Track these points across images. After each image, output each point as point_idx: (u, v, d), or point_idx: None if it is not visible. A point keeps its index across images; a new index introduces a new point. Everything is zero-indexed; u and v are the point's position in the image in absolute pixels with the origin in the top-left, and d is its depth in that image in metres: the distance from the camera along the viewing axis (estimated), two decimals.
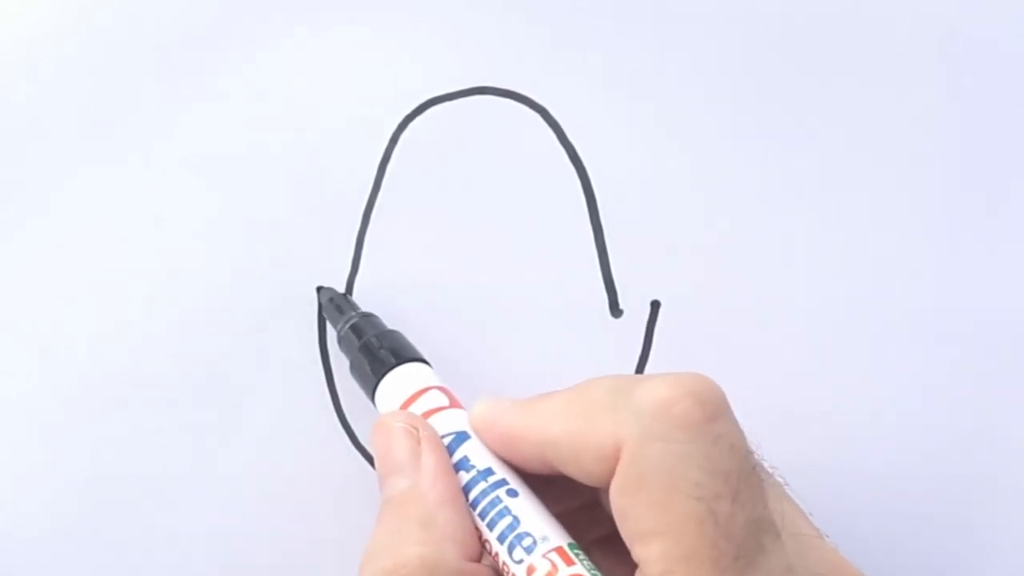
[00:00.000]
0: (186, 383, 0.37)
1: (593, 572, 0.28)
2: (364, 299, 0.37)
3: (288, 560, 0.36)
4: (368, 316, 0.36)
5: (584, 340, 0.38)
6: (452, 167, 0.39)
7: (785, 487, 0.29)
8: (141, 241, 0.37)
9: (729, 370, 0.38)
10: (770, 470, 0.29)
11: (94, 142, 0.38)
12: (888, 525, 0.37)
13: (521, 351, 0.38)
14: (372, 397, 0.34)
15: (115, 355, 0.37)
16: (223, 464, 0.36)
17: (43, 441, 0.36)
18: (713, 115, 0.40)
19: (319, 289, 0.37)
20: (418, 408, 0.32)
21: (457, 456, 0.31)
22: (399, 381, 0.34)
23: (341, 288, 0.38)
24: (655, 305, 0.38)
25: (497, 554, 0.29)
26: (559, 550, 0.28)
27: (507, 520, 0.29)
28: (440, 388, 0.33)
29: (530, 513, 0.29)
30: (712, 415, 0.27)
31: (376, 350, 0.34)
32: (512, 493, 0.30)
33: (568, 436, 0.29)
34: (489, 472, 0.30)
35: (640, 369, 0.38)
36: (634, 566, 0.27)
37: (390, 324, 0.36)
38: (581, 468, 0.28)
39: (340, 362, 0.37)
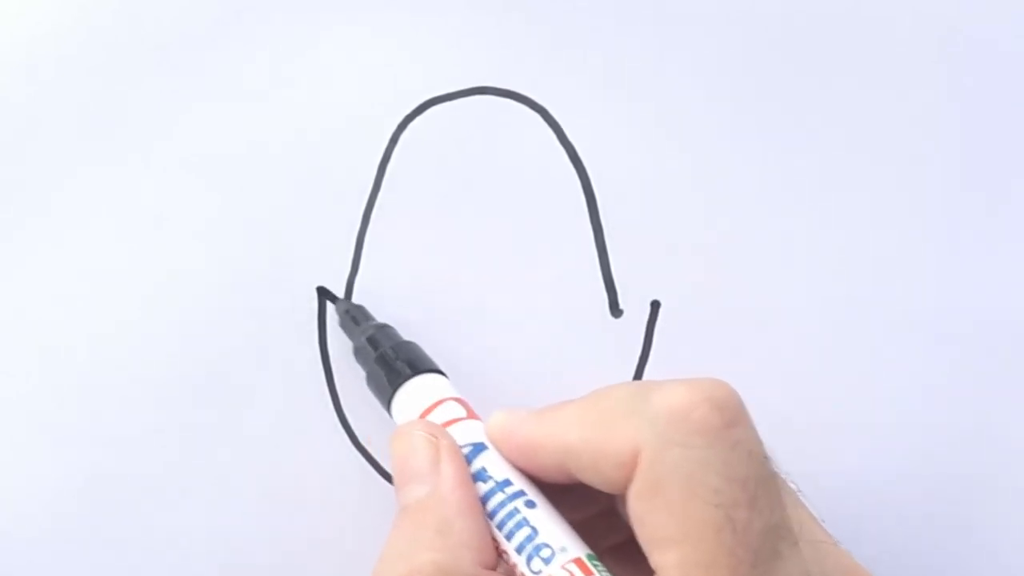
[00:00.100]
0: (186, 383, 0.37)
1: None
2: (364, 299, 0.37)
3: (288, 560, 0.36)
4: (384, 327, 0.36)
5: (584, 340, 0.38)
6: (452, 167, 0.39)
7: (799, 494, 0.29)
8: (141, 241, 0.37)
9: (729, 370, 0.38)
10: (784, 476, 0.29)
11: (94, 142, 0.38)
12: (888, 525, 0.37)
13: (521, 351, 0.38)
14: (388, 408, 0.34)
15: (115, 355, 0.37)
16: (223, 464, 0.36)
17: (43, 441, 0.36)
18: (713, 115, 0.40)
19: (320, 289, 0.37)
20: (435, 419, 0.32)
21: (475, 467, 0.31)
22: (415, 392, 0.33)
23: (341, 288, 0.38)
24: (655, 305, 0.38)
25: (515, 565, 0.29)
26: (578, 561, 0.28)
27: (525, 531, 0.29)
28: (457, 399, 0.33)
29: (548, 524, 0.29)
30: (730, 421, 0.27)
31: (392, 361, 0.34)
32: (530, 504, 0.30)
33: (586, 443, 0.29)
34: (507, 483, 0.30)
35: (640, 369, 0.38)
36: (650, 573, 0.27)
37: (390, 324, 0.36)
38: (599, 475, 0.28)
39: (340, 362, 0.37)
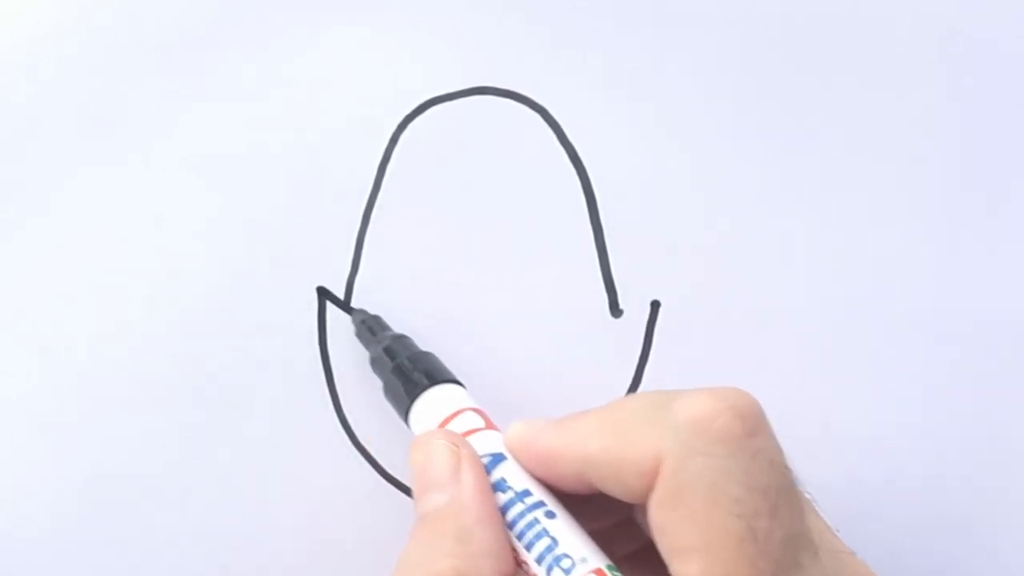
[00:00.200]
0: (186, 383, 0.37)
1: None
2: (364, 299, 0.37)
3: (288, 560, 0.36)
4: (401, 337, 0.36)
5: (584, 340, 0.38)
6: (452, 167, 0.39)
7: (815, 503, 0.29)
8: (141, 241, 0.37)
9: (729, 370, 0.38)
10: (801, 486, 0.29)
11: (94, 142, 0.38)
12: (888, 525, 0.37)
13: (521, 351, 0.38)
14: (406, 419, 0.34)
15: (115, 355, 0.37)
16: (223, 464, 0.36)
17: (43, 441, 0.36)
18: (713, 115, 0.40)
19: (320, 289, 0.37)
20: (453, 429, 0.32)
21: (494, 477, 0.31)
22: (434, 403, 0.33)
23: (341, 288, 0.38)
24: (655, 305, 0.38)
25: (535, 575, 0.29)
26: (598, 572, 0.28)
27: (545, 541, 0.29)
28: (475, 410, 0.33)
29: (568, 534, 0.29)
30: (752, 430, 0.27)
31: (410, 372, 0.34)
32: (550, 515, 0.29)
33: (606, 452, 0.28)
34: (526, 493, 0.30)
35: (640, 369, 0.38)
36: None
37: (390, 324, 0.36)
38: (620, 484, 0.28)
39: (340, 362, 0.37)
